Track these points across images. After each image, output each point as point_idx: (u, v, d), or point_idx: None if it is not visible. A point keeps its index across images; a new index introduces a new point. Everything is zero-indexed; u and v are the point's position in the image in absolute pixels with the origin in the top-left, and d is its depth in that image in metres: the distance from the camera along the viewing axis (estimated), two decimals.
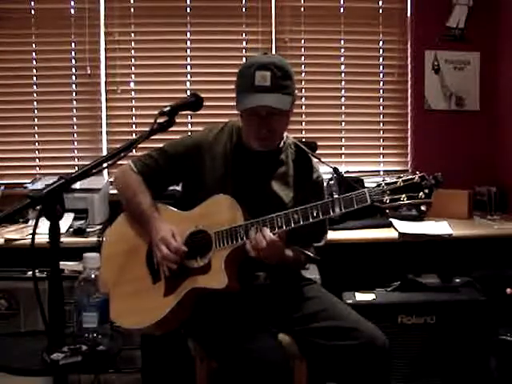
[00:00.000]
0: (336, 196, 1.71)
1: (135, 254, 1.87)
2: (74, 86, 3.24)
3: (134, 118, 3.28)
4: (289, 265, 1.87)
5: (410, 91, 3.32)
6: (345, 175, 2.62)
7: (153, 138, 1.59)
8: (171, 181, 2.00)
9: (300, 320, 1.81)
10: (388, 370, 1.73)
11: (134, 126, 3.28)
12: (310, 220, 1.67)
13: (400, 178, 1.60)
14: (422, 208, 1.59)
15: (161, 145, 2.02)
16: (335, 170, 1.94)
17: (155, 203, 1.89)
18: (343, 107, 3.34)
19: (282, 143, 1.95)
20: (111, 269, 1.84)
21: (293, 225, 1.68)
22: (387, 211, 1.62)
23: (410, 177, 1.59)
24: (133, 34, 3.25)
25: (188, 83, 3.28)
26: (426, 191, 1.58)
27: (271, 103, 1.73)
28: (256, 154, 1.89)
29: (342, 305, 1.90)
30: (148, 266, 1.84)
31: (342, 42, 3.31)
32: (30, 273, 2.35)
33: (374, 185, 1.64)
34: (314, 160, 1.98)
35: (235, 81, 1.83)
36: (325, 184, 2.04)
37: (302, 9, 3.27)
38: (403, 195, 1.58)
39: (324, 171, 2.05)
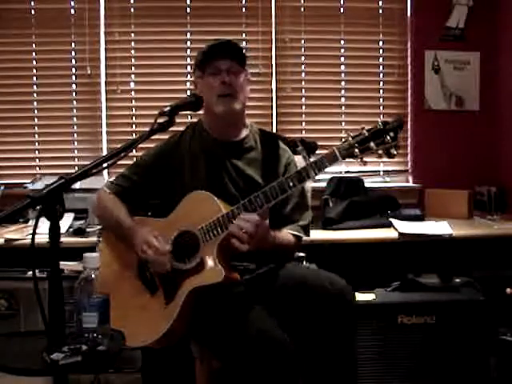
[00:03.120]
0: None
1: (126, 273, 1.86)
2: (74, 85, 3.24)
3: (133, 118, 3.28)
4: (281, 248, 1.85)
5: (410, 91, 3.32)
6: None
7: (153, 137, 1.59)
8: (147, 193, 1.98)
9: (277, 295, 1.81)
10: (355, 324, 1.78)
11: (134, 126, 3.29)
12: (288, 191, 1.68)
13: (363, 128, 1.64)
14: (393, 151, 1.63)
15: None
16: (302, 141, 1.98)
17: (133, 218, 1.90)
18: (343, 107, 3.34)
19: (247, 130, 1.99)
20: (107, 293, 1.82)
21: (272, 200, 1.69)
22: (360, 162, 1.66)
23: (373, 125, 1.64)
24: (133, 34, 3.25)
25: (188, 83, 3.28)
26: (392, 134, 1.61)
27: (231, 42, 1.89)
28: (223, 143, 1.94)
29: (313, 268, 1.92)
30: (141, 279, 1.84)
31: (342, 42, 3.31)
32: (30, 273, 2.35)
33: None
34: (282, 142, 2.03)
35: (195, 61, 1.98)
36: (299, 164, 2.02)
37: (302, 9, 3.27)
38: (371, 143, 1.62)
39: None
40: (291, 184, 1.68)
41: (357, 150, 1.62)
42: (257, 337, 1.60)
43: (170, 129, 1.64)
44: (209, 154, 1.94)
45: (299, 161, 2.00)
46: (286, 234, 1.89)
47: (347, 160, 1.67)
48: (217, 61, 1.88)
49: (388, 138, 1.61)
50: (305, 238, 1.96)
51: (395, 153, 1.63)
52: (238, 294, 1.79)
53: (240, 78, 1.91)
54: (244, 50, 1.94)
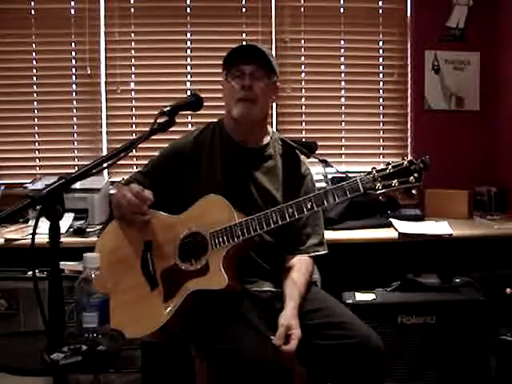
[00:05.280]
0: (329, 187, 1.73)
1: (129, 263, 1.83)
2: (74, 85, 3.24)
3: (134, 118, 3.28)
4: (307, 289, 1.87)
5: (410, 91, 3.32)
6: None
7: (153, 137, 1.59)
8: (162, 189, 1.94)
9: None
10: (382, 371, 1.72)
11: (133, 126, 3.29)
12: (305, 212, 1.69)
13: (389, 164, 1.64)
14: (413, 192, 1.64)
15: (161, 145, 2.08)
16: (324, 161, 2.00)
17: None
18: (343, 107, 3.34)
19: (268, 138, 1.99)
20: (107, 280, 1.82)
21: (288, 218, 1.69)
22: (381, 198, 1.68)
23: (399, 162, 1.64)
24: (133, 34, 3.26)
25: (188, 83, 3.28)
26: (416, 175, 1.62)
27: (257, 46, 1.88)
28: (243, 148, 1.93)
29: (338, 304, 1.89)
30: (144, 273, 1.82)
31: (342, 42, 3.31)
32: (30, 273, 2.35)
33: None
34: (301, 155, 2.02)
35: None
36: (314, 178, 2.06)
37: (302, 9, 3.27)
38: (394, 180, 1.63)
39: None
40: (309, 206, 1.68)
41: (379, 185, 1.63)
42: (248, 357, 1.59)
43: (171, 129, 1.64)
44: (227, 157, 1.93)
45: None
46: (304, 275, 1.86)
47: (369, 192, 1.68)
48: (241, 64, 1.86)
49: (412, 178, 1.62)
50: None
51: (415, 193, 1.66)
52: (240, 306, 1.78)
53: (263, 84, 1.87)
54: (269, 55, 1.90)
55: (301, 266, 1.88)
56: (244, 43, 1.93)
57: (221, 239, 1.73)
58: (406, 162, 1.63)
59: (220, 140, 1.96)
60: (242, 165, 1.92)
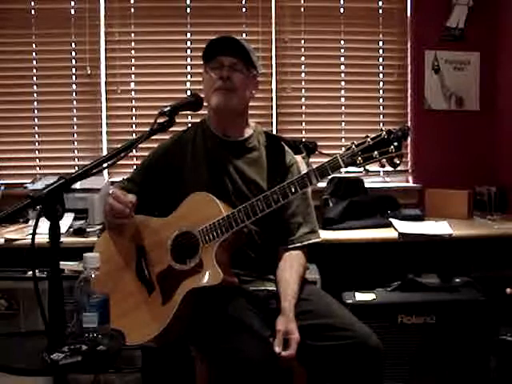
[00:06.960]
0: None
1: (124, 271, 1.83)
2: (74, 85, 3.25)
3: (134, 118, 3.28)
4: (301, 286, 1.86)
5: (410, 91, 3.32)
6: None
7: (153, 138, 1.59)
8: (152, 194, 1.96)
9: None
10: (381, 371, 1.71)
11: (134, 126, 3.29)
12: (290, 196, 1.69)
13: (368, 137, 1.64)
14: (396, 161, 1.63)
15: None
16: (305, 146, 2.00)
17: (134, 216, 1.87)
18: (343, 107, 3.34)
19: (251, 131, 2.00)
20: (104, 291, 1.81)
21: (274, 205, 1.69)
22: (362, 170, 1.66)
23: (377, 134, 1.64)
24: (133, 34, 3.26)
25: (188, 83, 3.28)
26: (396, 144, 1.61)
27: (237, 39, 1.88)
28: (226, 141, 1.94)
29: (338, 305, 1.88)
30: (140, 279, 1.82)
31: (342, 42, 3.31)
32: (30, 273, 2.35)
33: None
34: (286, 145, 2.04)
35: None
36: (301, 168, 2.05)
37: (302, 9, 3.27)
38: (375, 152, 1.62)
39: None
40: (293, 189, 1.68)
41: (360, 159, 1.63)
42: (248, 357, 1.59)
43: (170, 129, 1.64)
44: (211, 152, 1.94)
45: (299, 161, 2.01)
46: (296, 271, 1.85)
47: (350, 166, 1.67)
48: (220, 56, 1.88)
49: (392, 147, 1.61)
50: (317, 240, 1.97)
51: (398, 162, 1.63)
52: (239, 306, 1.78)
53: (241, 76, 1.89)
54: (249, 50, 1.90)
55: (292, 262, 1.87)
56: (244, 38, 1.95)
57: (210, 235, 1.73)
58: (384, 133, 1.63)
59: (203, 136, 1.98)
60: (226, 157, 1.93)
